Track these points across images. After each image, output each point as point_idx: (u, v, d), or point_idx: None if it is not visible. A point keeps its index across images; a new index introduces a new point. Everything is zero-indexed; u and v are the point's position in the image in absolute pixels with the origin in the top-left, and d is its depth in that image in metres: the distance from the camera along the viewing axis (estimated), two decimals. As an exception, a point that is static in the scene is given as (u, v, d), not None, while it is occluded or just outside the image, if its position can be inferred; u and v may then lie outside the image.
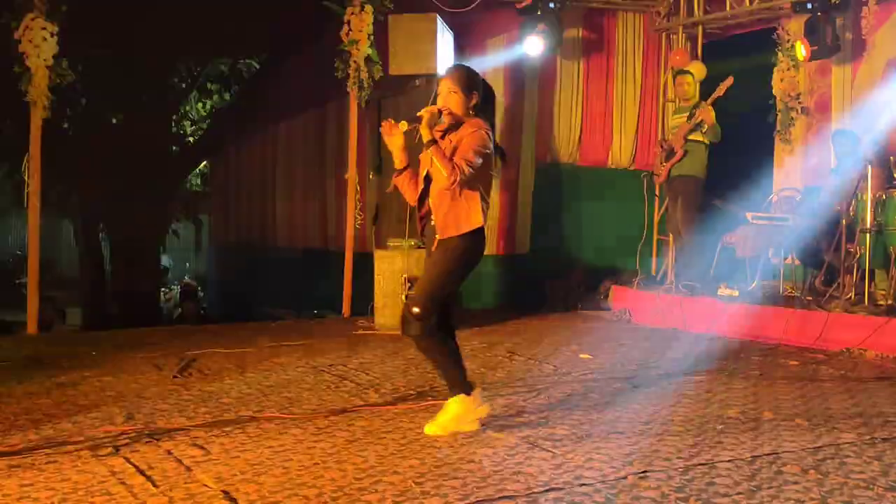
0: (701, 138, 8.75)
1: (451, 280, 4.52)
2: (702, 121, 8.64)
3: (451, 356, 4.60)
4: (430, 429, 4.55)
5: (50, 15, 8.59)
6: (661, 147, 9.15)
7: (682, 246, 9.04)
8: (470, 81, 4.53)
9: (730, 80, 8.49)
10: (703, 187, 8.88)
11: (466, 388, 4.59)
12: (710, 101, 8.63)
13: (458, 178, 4.35)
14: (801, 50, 8.93)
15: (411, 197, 4.67)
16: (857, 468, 3.97)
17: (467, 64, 4.92)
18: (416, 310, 4.42)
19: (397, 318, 8.29)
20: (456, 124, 4.53)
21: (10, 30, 8.61)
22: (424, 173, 4.56)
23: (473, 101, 4.51)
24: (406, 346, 7.41)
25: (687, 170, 8.82)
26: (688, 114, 8.83)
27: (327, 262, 12.84)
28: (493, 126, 4.61)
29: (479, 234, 4.48)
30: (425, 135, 4.41)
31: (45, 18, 8.56)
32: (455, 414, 4.56)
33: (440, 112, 4.50)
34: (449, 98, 4.50)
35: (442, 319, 4.59)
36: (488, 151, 4.45)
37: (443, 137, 4.51)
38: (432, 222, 4.55)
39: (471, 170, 4.37)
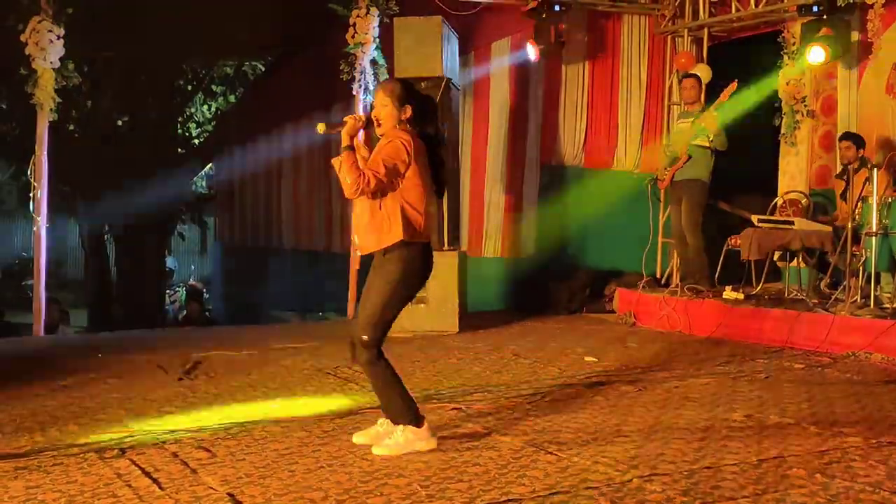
0: (706, 143, 8.71)
1: (391, 302, 4.36)
2: (704, 127, 8.60)
3: (401, 383, 4.43)
4: (378, 450, 4.30)
5: (56, 18, 8.62)
6: (666, 152, 9.11)
7: (687, 249, 9.02)
8: (402, 94, 4.42)
9: (734, 85, 8.45)
10: (708, 190, 8.86)
11: (417, 420, 4.38)
12: (714, 106, 8.59)
13: (360, 188, 4.25)
14: (808, 53, 8.89)
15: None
16: (862, 472, 3.96)
17: (402, 77, 4.87)
18: (364, 337, 4.32)
19: (401, 321, 8.34)
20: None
21: (17, 32, 8.64)
22: None
23: (406, 115, 4.40)
24: (411, 350, 7.41)
25: (690, 173, 8.79)
26: (692, 118, 8.80)
27: (332, 264, 12.87)
28: (432, 138, 4.49)
29: (406, 247, 4.33)
30: (343, 140, 4.36)
31: (51, 21, 8.59)
32: (405, 441, 4.32)
33: (369, 120, 4.45)
34: (380, 111, 4.42)
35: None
36: (400, 162, 4.29)
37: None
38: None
39: (377, 180, 4.25)
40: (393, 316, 4.42)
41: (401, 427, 4.36)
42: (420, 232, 4.38)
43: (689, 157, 8.76)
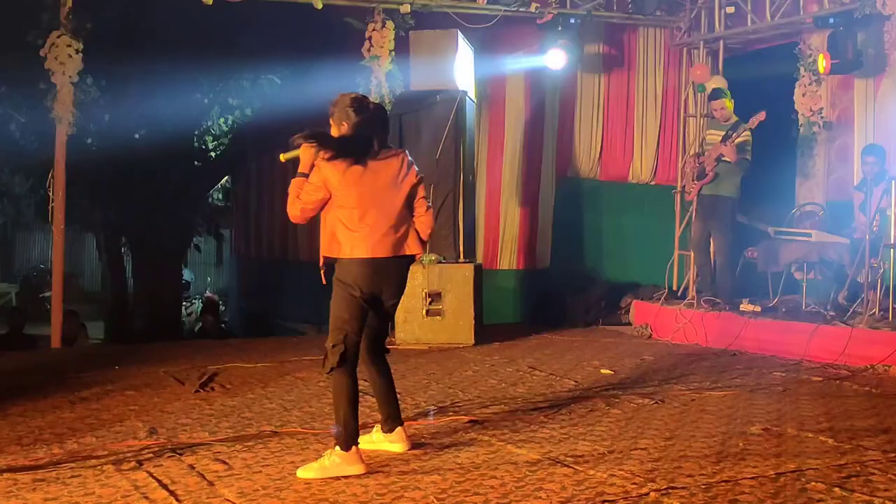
0: (734, 158, 8.64)
1: (340, 312, 4.35)
2: (743, 141, 8.52)
3: (351, 405, 4.30)
4: (303, 472, 4.17)
5: (75, 33, 8.69)
6: (697, 162, 9.03)
7: (715, 264, 8.97)
8: (337, 111, 4.46)
9: (762, 115, 8.34)
10: (737, 208, 8.80)
11: (347, 444, 4.23)
12: (744, 130, 8.45)
13: (291, 213, 4.45)
14: (823, 63, 8.89)
15: None
16: (882, 485, 3.93)
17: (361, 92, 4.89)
18: (328, 343, 4.36)
19: (417, 333, 8.42)
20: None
21: (37, 48, 8.72)
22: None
23: (343, 130, 4.43)
24: (427, 362, 7.42)
25: (720, 190, 8.69)
26: (724, 133, 8.69)
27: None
28: (368, 148, 4.43)
29: (343, 264, 4.39)
30: (301, 167, 4.43)
31: (70, 36, 8.66)
32: (330, 465, 4.19)
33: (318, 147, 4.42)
34: (331, 130, 4.50)
35: (374, 351, 4.61)
36: (319, 184, 4.35)
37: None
38: None
39: (302, 204, 4.38)
40: (350, 328, 4.34)
41: (331, 450, 4.25)
42: (355, 248, 4.37)
43: (717, 174, 8.67)
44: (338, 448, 4.22)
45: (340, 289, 4.38)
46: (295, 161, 4.50)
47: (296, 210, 4.44)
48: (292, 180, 4.43)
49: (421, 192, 4.65)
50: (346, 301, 4.37)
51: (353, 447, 4.25)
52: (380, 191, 4.43)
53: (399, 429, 4.61)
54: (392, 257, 4.43)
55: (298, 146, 4.44)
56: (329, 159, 4.35)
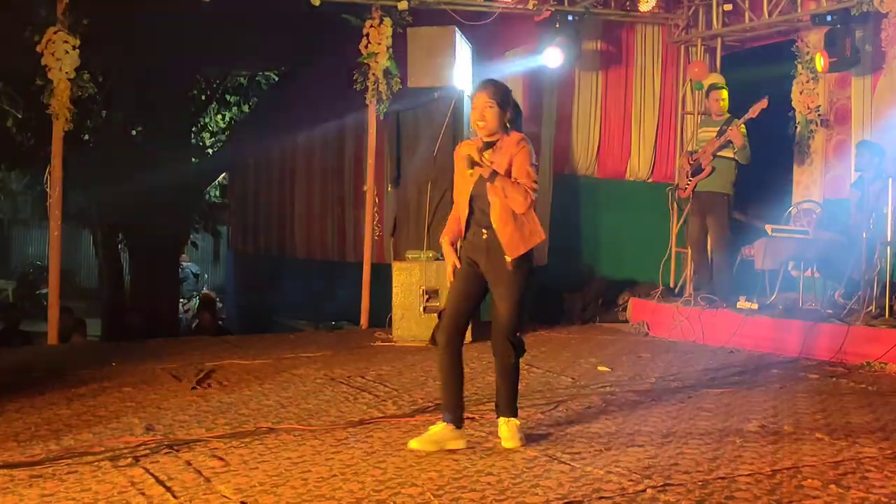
0: (731, 155, 8.66)
1: (525, 298, 4.61)
2: (730, 141, 8.54)
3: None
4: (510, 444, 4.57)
5: (72, 28, 8.67)
6: (689, 161, 9.04)
7: (712, 262, 8.98)
8: (505, 95, 4.55)
9: (764, 103, 8.33)
10: (732, 204, 8.82)
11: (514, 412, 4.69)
12: (741, 121, 8.51)
13: (531, 201, 4.50)
14: (820, 61, 8.91)
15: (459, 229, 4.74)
16: (878, 483, 3.94)
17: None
18: (519, 334, 4.61)
19: (415, 329, 8.42)
20: (491, 142, 4.56)
21: (33, 43, 8.70)
22: (468, 196, 4.62)
23: (508, 115, 4.53)
24: (424, 359, 7.41)
25: (715, 186, 8.71)
26: (718, 129, 8.71)
27: (345, 273, 12.87)
28: None
29: (536, 249, 4.64)
30: (484, 171, 4.46)
31: (67, 32, 8.65)
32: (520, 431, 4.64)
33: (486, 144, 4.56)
34: (486, 112, 4.51)
35: (460, 334, 4.76)
36: (536, 166, 4.57)
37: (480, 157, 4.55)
38: (483, 237, 4.59)
39: (537, 186, 4.51)
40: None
41: (510, 421, 4.63)
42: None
43: (713, 169, 8.69)
44: (516, 419, 4.65)
45: (531, 275, 4.63)
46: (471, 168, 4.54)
47: (530, 198, 4.50)
48: (497, 182, 4.46)
49: None
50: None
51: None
52: None
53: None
54: None
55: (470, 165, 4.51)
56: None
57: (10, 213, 26.10)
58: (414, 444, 4.52)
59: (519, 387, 4.73)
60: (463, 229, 4.67)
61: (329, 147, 14.61)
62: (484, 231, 4.57)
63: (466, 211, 4.64)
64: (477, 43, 9.79)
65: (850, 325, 7.37)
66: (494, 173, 4.46)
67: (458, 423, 4.60)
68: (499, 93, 4.54)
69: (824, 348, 7.38)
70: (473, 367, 7.21)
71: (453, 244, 4.74)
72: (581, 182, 11.15)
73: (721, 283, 8.81)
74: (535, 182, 4.51)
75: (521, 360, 4.67)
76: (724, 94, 8.86)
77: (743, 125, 8.50)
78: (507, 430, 4.60)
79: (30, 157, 14.96)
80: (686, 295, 9.35)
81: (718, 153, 8.65)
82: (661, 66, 11.10)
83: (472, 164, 4.49)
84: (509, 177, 4.49)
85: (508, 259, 4.52)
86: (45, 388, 6.24)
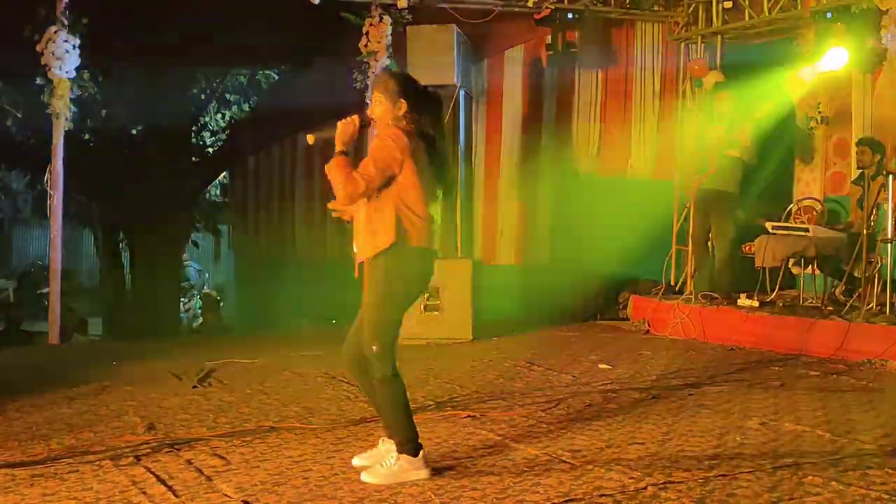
0: (736, 153, 8.66)
1: (390, 310, 4.13)
2: (737, 139, 8.53)
3: (409, 410, 4.14)
4: (367, 477, 4.04)
5: (72, 28, 8.68)
6: (696, 157, 9.02)
7: (707, 257, 8.99)
8: (398, 88, 4.15)
9: (765, 104, 8.34)
10: (737, 202, 8.82)
11: (415, 450, 4.08)
12: (745, 121, 8.48)
13: (349, 194, 4.03)
14: (821, 58, 8.87)
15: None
16: (878, 479, 3.94)
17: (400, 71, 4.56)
18: (373, 348, 4.09)
19: (415, 328, 8.39)
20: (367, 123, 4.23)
21: (34, 42, 8.70)
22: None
23: (402, 111, 4.13)
24: (425, 357, 7.42)
25: (720, 184, 8.71)
26: (724, 127, 8.69)
27: (346, 272, 12.88)
28: (431, 134, 4.20)
29: (398, 253, 4.06)
30: (336, 145, 4.13)
31: (67, 31, 8.65)
32: (399, 469, 4.04)
33: (362, 122, 4.17)
34: (375, 107, 4.19)
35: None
36: (392, 160, 4.04)
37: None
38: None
39: (366, 183, 4.01)
40: (395, 322, 4.15)
41: (398, 455, 4.06)
42: (417, 236, 4.09)
43: (718, 166, 8.67)
44: (408, 455, 4.04)
45: (398, 284, 4.11)
46: (324, 143, 4.24)
47: (358, 188, 4.02)
48: (333, 160, 4.08)
49: None
50: (397, 308, 4.15)
51: (422, 450, 4.09)
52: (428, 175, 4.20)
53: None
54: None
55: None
56: (417, 132, 4.09)
57: (11, 212, 26.11)
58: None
59: (401, 418, 4.11)
60: None
61: (329, 146, 14.56)
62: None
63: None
64: (476, 41, 9.80)
65: (851, 322, 7.37)
66: (341, 152, 4.10)
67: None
68: (389, 86, 4.17)
69: (825, 345, 7.38)
70: (475, 364, 7.23)
71: None
72: (581, 180, 11.13)
73: (722, 281, 8.81)
74: (366, 178, 4.00)
75: (398, 384, 4.12)
76: (727, 95, 8.86)
77: (747, 125, 8.49)
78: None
79: (30, 157, 14.97)
80: (687, 292, 9.35)
81: (724, 151, 8.64)
82: (661, 64, 11.08)
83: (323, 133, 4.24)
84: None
85: (357, 261, 4.20)
86: (47, 387, 6.25)
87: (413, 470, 4.03)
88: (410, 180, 4.08)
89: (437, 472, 4.09)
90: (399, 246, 4.06)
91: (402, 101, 4.14)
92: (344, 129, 4.16)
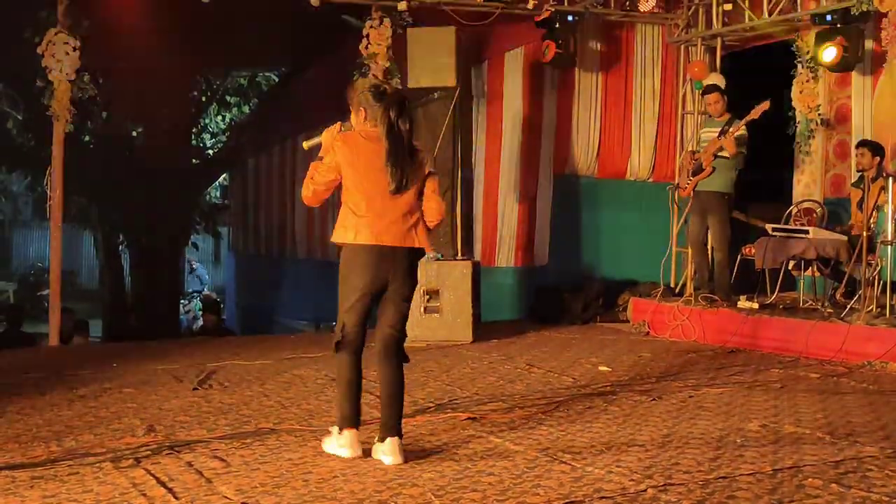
0: (731, 154, 8.64)
1: (342, 298, 4.47)
2: (741, 135, 8.52)
3: (346, 387, 4.45)
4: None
5: (72, 30, 8.69)
6: (691, 160, 9.02)
7: (706, 260, 8.99)
8: (355, 97, 4.48)
9: (766, 105, 8.31)
10: (733, 203, 8.82)
11: (342, 425, 4.44)
12: (743, 122, 8.47)
13: (302, 194, 4.50)
14: (820, 59, 8.87)
15: None
16: (879, 482, 3.94)
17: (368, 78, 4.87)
18: (334, 324, 4.50)
19: (415, 330, 8.37)
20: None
21: (34, 44, 8.71)
22: None
23: (361, 116, 4.45)
24: (425, 359, 7.42)
25: (715, 186, 8.71)
26: (720, 129, 8.69)
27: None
28: (397, 132, 4.34)
29: (346, 249, 4.42)
30: (322, 153, 4.45)
31: (67, 33, 8.66)
32: (327, 441, 4.52)
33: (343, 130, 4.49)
34: (351, 117, 4.53)
35: (385, 354, 4.49)
36: (325, 168, 4.40)
37: None
38: None
39: (309, 184, 4.44)
40: (345, 310, 4.47)
41: (333, 427, 4.49)
42: (357, 233, 4.35)
43: (714, 168, 8.68)
44: (334, 427, 4.46)
45: (344, 282, 4.44)
46: (318, 148, 4.53)
47: (308, 191, 4.47)
48: (311, 164, 4.47)
49: (431, 185, 4.58)
50: (349, 290, 4.43)
51: (346, 430, 4.39)
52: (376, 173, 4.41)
53: (391, 440, 4.33)
54: (399, 247, 4.41)
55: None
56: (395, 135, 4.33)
57: (11, 214, 26.15)
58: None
59: (336, 394, 4.62)
60: None
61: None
62: None
63: None
64: (477, 42, 9.81)
65: (851, 325, 7.37)
66: (320, 158, 4.47)
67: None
68: (349, 96, 4.51)
69: (825, 347, 7.37)
70: (475, 366, 7.23)
71: None
72: (581, 182, 11.14)
73: (721, 283, 8.81)
74: (308, 181, 4.44)
75: (340, 362, 4.50)
76: (716, 97, 8.83)
77: (744, 126, 8.50)
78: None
79: (30, 159, 14.99)
80: (686, 294, 9.35)
81: (719, 153, 8.64)
82: (660, 66, 11.09)
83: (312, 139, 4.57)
84: None
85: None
86: (47, 389, 6.24)
87: (337, 446, 4.42)
88: (351, 180, 4.40)
89: (436, 473, 4.09)
90: (346, 242, 4.40)
91: (361, 108, 4.46)
92: (326, 137, 4.49)
